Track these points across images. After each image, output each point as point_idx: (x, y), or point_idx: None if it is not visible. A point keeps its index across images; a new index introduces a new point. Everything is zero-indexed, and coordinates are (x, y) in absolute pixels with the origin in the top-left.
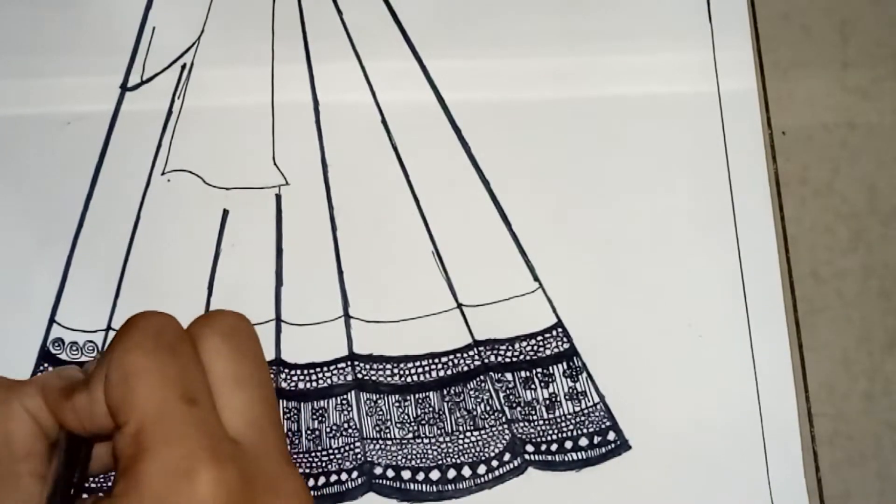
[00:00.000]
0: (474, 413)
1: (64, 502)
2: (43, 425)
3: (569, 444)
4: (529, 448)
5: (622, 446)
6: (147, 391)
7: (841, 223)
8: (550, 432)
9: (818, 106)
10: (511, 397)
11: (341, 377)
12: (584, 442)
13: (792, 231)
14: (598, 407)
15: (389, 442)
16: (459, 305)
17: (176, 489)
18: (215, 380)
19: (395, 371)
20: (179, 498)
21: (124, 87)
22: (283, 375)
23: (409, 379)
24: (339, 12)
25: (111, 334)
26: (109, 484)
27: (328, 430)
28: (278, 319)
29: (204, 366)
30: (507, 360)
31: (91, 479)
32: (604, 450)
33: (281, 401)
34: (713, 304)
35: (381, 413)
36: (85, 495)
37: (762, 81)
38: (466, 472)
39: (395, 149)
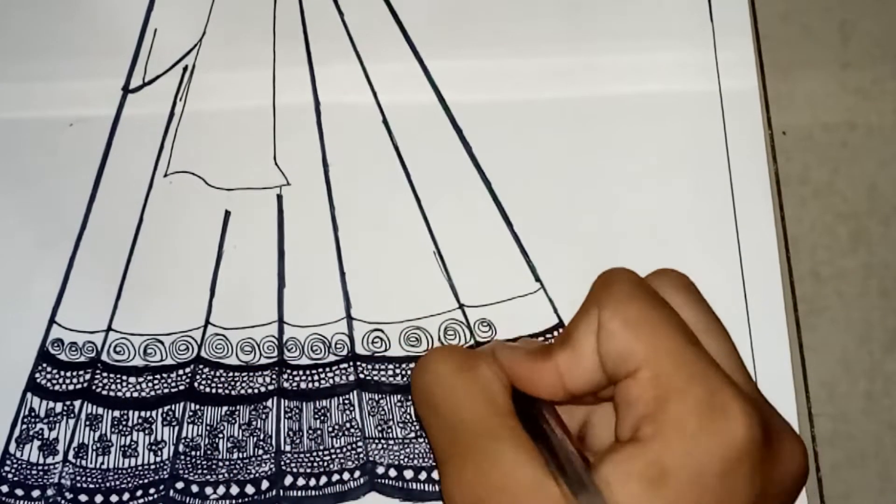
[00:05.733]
0: None
1: (565, 453)
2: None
3: None
4: None
5: None
6: (656, 336)
7: (841, 223)
8: None
9: (818, 106)
10: None
11: (343, 377)
12: None
13: (792, 231)
14: None
15: (392, 441)
16: (461, 306)
17: (710, 425)
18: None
19: (398, 371)
20: (715, 434)
21: (126, 89)
22: (285, 376)
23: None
24: (341, 14)
25: (111, 335)
26: None
27: (330, 429)
28: (281, 321)
29: None
30: None
31: None
32: None
33: (283, 401)
34: (713, 303)
35: (383, 413)
36: None
37: (762, 81)
38: None
39: (397, 149)
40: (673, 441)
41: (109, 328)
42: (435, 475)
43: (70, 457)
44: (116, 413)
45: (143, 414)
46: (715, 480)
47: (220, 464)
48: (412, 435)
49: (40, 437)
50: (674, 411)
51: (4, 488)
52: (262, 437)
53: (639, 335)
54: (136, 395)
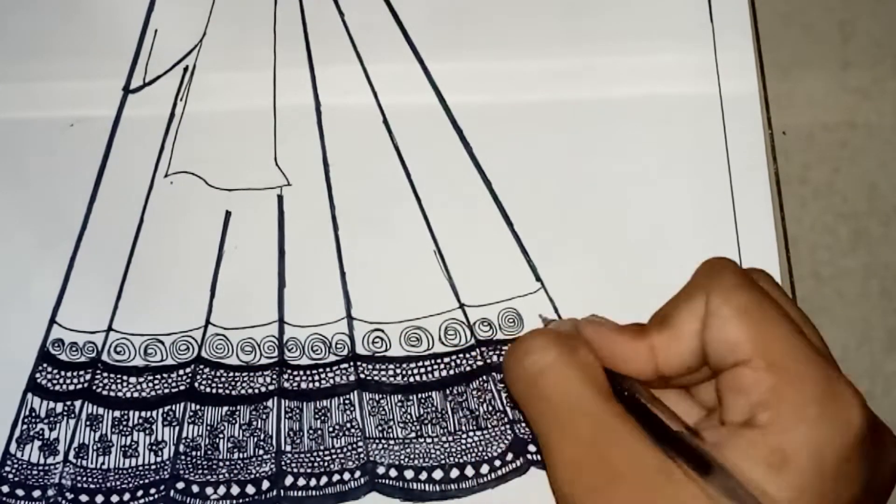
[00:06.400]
0: (477, 413)
1: (687, 441)
2: None
3: None
4: (532, 448)
5: None
6: (768, 325)
7: (841, 223)
8: None
9: (818, 106)
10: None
11: (344, 377)
12: None
13: (792, 231)
14: None
15: (392, 441)
16: (462, 305)
17: (828, 412)
18: None
19: (398, 371)
20: (832, 420)
21: (126, 90)
22: (285, 376)
23: (411, 379)
24: (341, 15)
25: (112, 335)
26: None
27: (331, 429)
28: (281, 321)
29: None
30: None
31: None
32: None
33: (283, 401)
34: None
35: (383, 413)
36: None
37: (762, 81)
38: (469, 471)
39: (398, 149)
40: (793, 428)
41: (110, 328)
42: (435, 475)
43: (70, 457)
44: (117, 413)
45: (143, 414)
46: (833, 467)
47: (221, 464)
48: (413, 435)
49: (41, 437)
50: (792, 398)
51: (5, 488)
52: (262, 437)
53: (750, 324)
54: (136, 395)
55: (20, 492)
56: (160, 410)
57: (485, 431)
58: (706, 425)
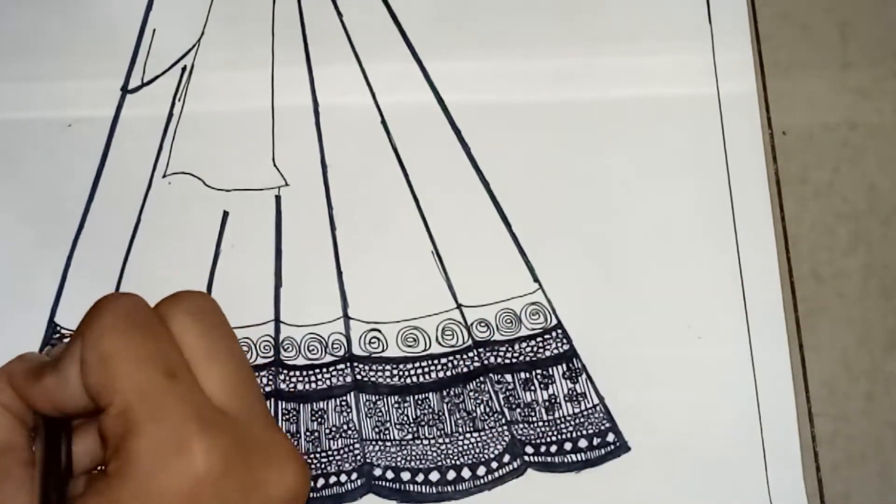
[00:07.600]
0: (474, 414)
1: (56, 484)
2: (18, 415)
3: (568, 446)
4: (529, 449)
5: (621, 448)
6: (127, 371)
7: (841, 223)
8: (550, 434)
9: (818, 106)
10: (511, 399)
11: (340, 378)
12: (583, 443)
13: (792, 231)
14: (598, 408)
15: (389, 443)
16: (459, 306)
17: (169, 463)
18: (190, 356)
19: (395, 372)
20: (174, 471)
21: (125, 90)
22: (281, 377)
23: (408, 380)
24: (339, 14)
25: None
26: None
27: (327, 431)
28: (277, 320)
29: (177, 343)
30: (507, 361)
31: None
32: (603, 451)
33: (280, 402)
34: (713, 305)
35: (380, 414)
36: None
37: (762, 81)
38: (466, 473)
39: (395, 150)
40: (131, 478)
41: None
42: (432, 477)
43: None
44: None
45: None
46: None
47: None
48: (409, 437)
49: None
50: (133, 448)
51: None
52: None
53: (110, 370)
54: None
55: None
56: None
57: (482, 433)
58: None
